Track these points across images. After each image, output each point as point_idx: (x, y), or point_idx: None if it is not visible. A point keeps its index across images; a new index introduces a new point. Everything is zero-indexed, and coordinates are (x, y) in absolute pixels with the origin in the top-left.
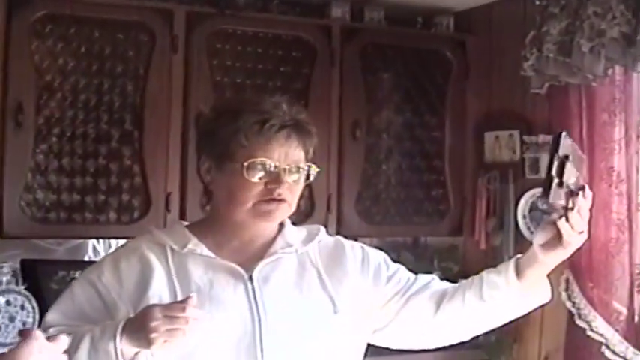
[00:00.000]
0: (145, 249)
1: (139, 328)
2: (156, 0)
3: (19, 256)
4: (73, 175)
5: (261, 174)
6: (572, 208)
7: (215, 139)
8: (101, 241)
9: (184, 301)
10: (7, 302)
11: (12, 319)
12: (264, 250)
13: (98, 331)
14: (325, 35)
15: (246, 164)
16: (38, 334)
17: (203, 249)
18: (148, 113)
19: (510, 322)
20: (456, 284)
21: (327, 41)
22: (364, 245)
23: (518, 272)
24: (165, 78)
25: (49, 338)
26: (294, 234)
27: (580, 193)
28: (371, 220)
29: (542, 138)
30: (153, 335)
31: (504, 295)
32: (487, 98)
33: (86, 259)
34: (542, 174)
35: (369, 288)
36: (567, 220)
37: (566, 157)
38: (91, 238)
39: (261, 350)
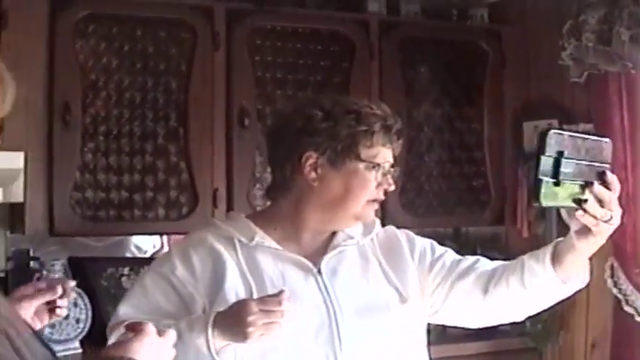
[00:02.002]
0: (214, 242)
1: (235, 322)
2: None
3: (62, 252)
4: (121, 172)
5: (380, 175)
6: (585, 200)
7: (335, 138)
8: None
9: (278, 294)
10: None
11: (66, 316)
12: (326, 244)
13: (184, 325)
14: (363, 29)
15: (370, 164)
16: (150, 330)
17: (271, 242)
18: (192, 110)
19: (556, 310)
20: (502, 265)
21: (365, 35)
22: (410, 232)
23: (556, 258)
24: (207, 75)
25: (159, 332)
26: (353, 227)
27: (595, 182)
28: (414, 212)
29: (583, 127)
30: (250, 329)
31: (543, 282)
32: (524, 88)
33: (128, 255)
34: None
35: (419, 274)
36: (585, 211)
37: (561, 154)
38: (139, 234)
39: (340, 341)
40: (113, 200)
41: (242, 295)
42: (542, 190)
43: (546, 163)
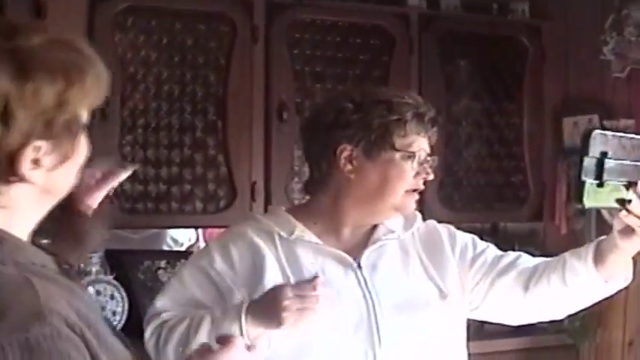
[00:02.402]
0: (254, 236)
1: (269, 308)
2: None
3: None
4: (159, 165)
5: (416, 164)
6: (629, 201)
7: (368, 128)
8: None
9: (313, 280)
10: (97, 292)
11: (102, 308)
12: (367, 238)
13: (219, 313)
14: (403, 23)
15: (405, 153)
16: (239, 343)
17: (311, 236)
18: (231, 103)
19: (594, 308)
20: (544, 262)
21: (405, 29)
22: (451, 227)
23: (599, 257)
24: (246, 68)
25: (247, 348)
26: (394, 220)
27: (639, 182)
28: (452, 206)
29: (624, 122)
30: (285, 314)
31: (585, 281)
32: (564, 83)
33: (165, 248)
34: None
35: (459, 270)
36: (629, 212)
37: (604, 154)
38: (177, 227)
39: (379, 337)
40: (151, 193)
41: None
42: (585, 192)
43: (589, 163)
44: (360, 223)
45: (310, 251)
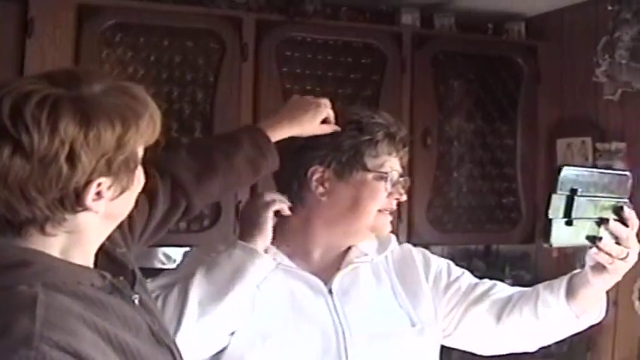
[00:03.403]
0: None
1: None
2: (225, 8)
3: None
4: None
5: (389, 184)
6: (600, 238)
7: (339, 149)
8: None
9: None
10: None
11: None
12: (339, 261)
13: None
14: (395, 42)
15: (378, 174)
16: None
17: (283, 258)
18: (218, 121)
19: (583, 331)
20: (518, 292)
21: (398, 48)
22: (426, 252)
23: (571, 291)
24: (235, 85)
25: None
26: (368, 243)
27: (610, 219)
28: (442, 227)
29: (615, 145)
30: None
31: (557, 315)
32: (559, 105)
33: (158, 265)
34: None
35: (432, 296)
36: (600, 249)
37: (574, 191)
38: (160, 246)
39: None
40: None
41: (246, 308)
42: (553, 230)
43: (558, 201)
44: (332, 245)
45: (281, 273)
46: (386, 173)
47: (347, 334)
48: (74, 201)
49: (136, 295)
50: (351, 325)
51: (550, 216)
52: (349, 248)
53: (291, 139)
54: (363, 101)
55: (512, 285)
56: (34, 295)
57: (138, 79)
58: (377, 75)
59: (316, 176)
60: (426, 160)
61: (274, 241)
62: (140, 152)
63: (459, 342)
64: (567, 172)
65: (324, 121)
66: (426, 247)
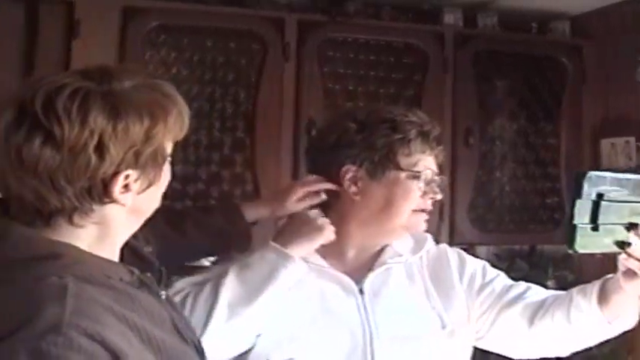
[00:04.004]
0: None
1: (306, 224)
2: (268, 9)
3: None
4: (186, 182)
5: (423, 183)
6: (629, 243)
7: (371, 148)
8: None
9: None
10: None
11: None
12: (373, 260)
13: (242, 257)
14: (438, 42)
15: (411, 173)
16: None
17: (316, 258)
18: (260, 121)
19: (624, 333)
20: (552, 296)
21: (440, 48)
22: (462, 252)
23: (603, 296)
24: (276, 86)
25: None
26: (403, 243)
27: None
28: (484, 227)
29: None
30: (325, 228)
31: (589, 320)
32: (604, 104)
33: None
34: None
35: (466, 297)
36: (629, 255)
37: (600, 196)
38: None
39: None
40: (176, 208)
41: (275, 310)
42: (578, 237)
43: (583, 206)
44: (366, 245)
45: (313, 273)
46: (419, 172)
47: (374, 335)
48: (102, 191)
49: (163, 292)
50: (379, 325)
51: (575, 222)
52: (384, 248)
53: (322, 136)
54: (405, 101)
55: (557, 286)
56: (65, 285)
57: (181, 79)
58: (419, 75)
59: (349, 175)
60: (468, 159)
61: None
62: (168, 148)
63: (492, 344)
64: (592, 177)
65: None
66: (467, 247)
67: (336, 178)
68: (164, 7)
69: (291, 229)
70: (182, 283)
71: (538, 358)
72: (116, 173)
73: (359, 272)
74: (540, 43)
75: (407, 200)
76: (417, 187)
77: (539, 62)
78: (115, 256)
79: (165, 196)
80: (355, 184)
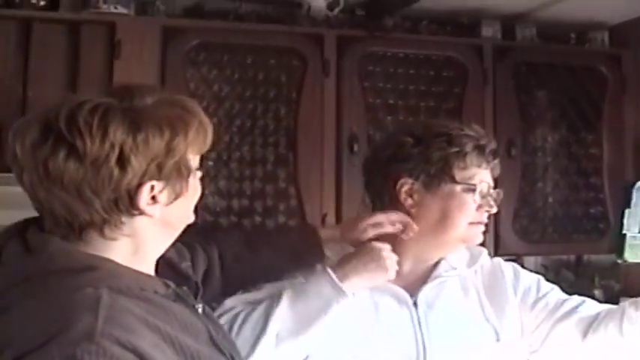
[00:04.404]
0: None
1: (370, 259)
2: (307, 25)
3: None
4: (230, 197)
5: (478, 196)
6: None
7: (427, 162)
8: None
9: None
10: None
11: None
12: (427, 274)
13: (298, 282)
14: (477, 54)
15: (466, 186)
16: None
17: None
18: (302, 136)
19: None
20: (606, 309)
21: (479, 60)
22: (517, 267)
23: None
24: (317, 101)
25: None
26: (458, 256)
27: None
28: (529, 238)
29: None
30: (389, 261)
31: None
32: None
33: None
34: None
35: (520, 311)
36: None
37: None
38: None
39: None
40: (223, 224)
41: (328, 323)
42: (627, 246)
43: (632, 217)
44: (422, 257)
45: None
46: (474, 185)
47: (427, 347)
48: (128, 203)
49: (200, 305)
50: (433, 337)
51: (624, 231)
52: (439, 261)
53: (379, 150)
54: (445, 114)
55: (603, 296)
56: (99, 296)
57: (222, 96)
58: (459, 87)
59: (405, 188)
60: (510, 170)
61: None
62: (193, 161)
63: (545, 358)
64: None
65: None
66: (513, 258)
67: (392, 191)
68: (203, 27)
69: (356, 260)
70: (233, 301)
71: None
72: (140, 184)
73: (414, 285)
74: (579, 53)
75: (462, 213)
76: (472, 199)
77: (578, 72)
78: (150, 270)
79: (210, 211)
80: (411, 196)
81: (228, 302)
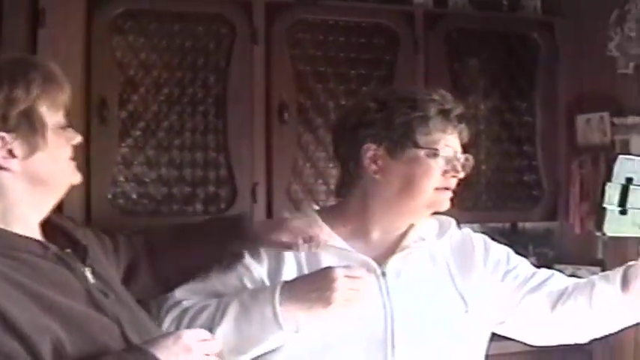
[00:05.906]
0: None
1: (317, 287)
2: None
3: None
4: (159, 167)
5: (443, 161)
6: None
7: (390, 127)
8: None
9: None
10: None
11: None
12: (396, 244)
13: (247, 295)
14: (408, 21)
15: (430, 151)
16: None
17: (338, 241)
18: (231, 104)
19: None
20: (574, 283)
21: (410, 28)
22: (487, 239)
23: (626, 282)
24: (246, 69)
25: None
26: (427, 227)
27: None
28: (463, 205)
29: (632, 119)
30: (336, 294)
31: (611, 305)
32: (578, 81)
33: None
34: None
35: (490, 283)
36: None
37: (629, 180)
38: None
39: (393, 347)
40: (151, 194)
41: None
42: (607, 219)
43: (612, 190)
44: (390, 226)
45: (335, 256)
46: (437, 150)
47: (396, 317)
48: None
49: (87, 268)
50: (401, 307)
51: (604, 205)
52: (407, 231)
53: (345, 116)
54: (377, 82)
55: (537, 262)
56: None
57: (150, 65)
58: (390, 55)
59: (369, 154)
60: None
61: (332, 222)
62: (49, 116)
63: (512, 330)
64: (623, 161)
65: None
66: None
67: (358, 157)
68: None
69: (301, 287)
70: (181, 292)
71: (557, 344)
72: None
73: (382, 255)
74: (512, 20)
75: (427, 178)
76: (436, 165)
77: (510, 40)
78: (31, 232)
79: (139, 181)
80: (375, 162)
81: (178, 293)
